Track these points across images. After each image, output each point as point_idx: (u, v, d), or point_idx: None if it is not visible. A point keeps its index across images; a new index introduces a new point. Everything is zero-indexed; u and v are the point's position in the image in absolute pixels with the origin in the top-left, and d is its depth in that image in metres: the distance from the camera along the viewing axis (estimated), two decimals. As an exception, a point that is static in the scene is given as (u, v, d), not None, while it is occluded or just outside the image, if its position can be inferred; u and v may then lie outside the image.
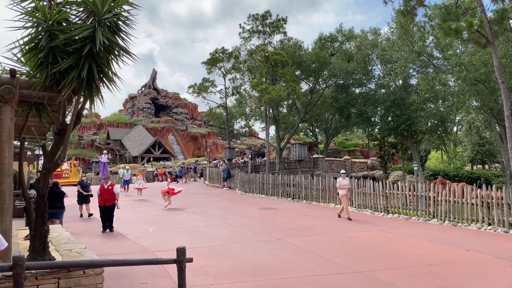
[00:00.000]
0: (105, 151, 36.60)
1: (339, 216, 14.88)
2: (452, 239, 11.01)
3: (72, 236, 8.35)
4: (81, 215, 15.68)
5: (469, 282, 7.27)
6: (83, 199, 15.83)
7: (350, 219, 14.33)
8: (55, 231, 8.80)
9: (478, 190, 13.24)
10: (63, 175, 37.34)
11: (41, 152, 21.29)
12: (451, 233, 12.00)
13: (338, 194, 15.69)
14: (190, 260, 4.71)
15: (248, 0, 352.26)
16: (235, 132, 40.10)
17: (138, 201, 20.64)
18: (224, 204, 19.66)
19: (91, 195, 15.90)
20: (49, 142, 21.68)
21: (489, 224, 12.54)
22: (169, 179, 21.30)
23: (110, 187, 12.54)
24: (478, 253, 9.32)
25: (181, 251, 4.60)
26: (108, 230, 12.40)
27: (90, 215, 15.55)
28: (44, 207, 5.90)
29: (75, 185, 28.37)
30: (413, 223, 13.88)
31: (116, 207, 12.60)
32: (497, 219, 12.38)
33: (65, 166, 39.35)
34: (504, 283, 7.22)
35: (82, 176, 17.75)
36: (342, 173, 15.76)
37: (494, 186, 13.19)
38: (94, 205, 14.61)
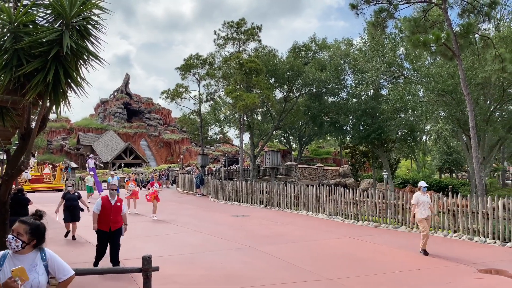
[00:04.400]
0: (91, 155, 33.09)
1: (426, 252, 10.11)
2: (419, 246, 11.24)
3: (36, 245, 8.06)
4: (67, 234, 12.60)
5: (434, 289, 7.44)
6: (72, 216, 12.43)
7: (426, 253, 10.03)
8: (18, 239, 8.46)
9: (445, 198, 13.62)
10: (44, 180, 35.05)
11: (4, 157, 20.29)
12: (418, 240, 12.16)
13: (414, 217, 10.79)
14: (156, 269, 4.64)
15: (228, 4, 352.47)
16: (209, 138, 39.95)
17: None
18: (196, 211, 19.48)
19: (82, 210, 12.70)
20: (14, 147, 20.92)
21: (455, 232, 12.90)
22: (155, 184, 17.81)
23: (118, 204, 8.92)
24: (443, 260, 9.57)
25: (147, 260, 4.52)
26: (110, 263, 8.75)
27: (73, 238, 12.37)
28: (5, 214, 5.70)
29: (60, 190, 25.77)
30: (382, 230, 14.12)
31: (121, 233, 9.00)
32: (462, 227, 12.76)
33: (46, 170, 37.48)
34: (467, 289, 7.43)
35: (68, 186, 13.61)
36: (423, 187, 10.52)
37: (459, 194, 13.59)
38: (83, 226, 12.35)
